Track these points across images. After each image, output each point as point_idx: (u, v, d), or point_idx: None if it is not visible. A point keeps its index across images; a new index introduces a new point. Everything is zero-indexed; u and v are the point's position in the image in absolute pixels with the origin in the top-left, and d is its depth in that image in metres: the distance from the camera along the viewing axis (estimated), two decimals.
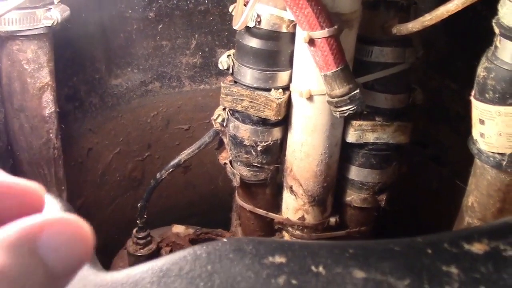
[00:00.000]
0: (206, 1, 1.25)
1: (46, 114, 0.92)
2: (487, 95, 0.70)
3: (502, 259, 0.42)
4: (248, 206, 1.10)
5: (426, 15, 0.78)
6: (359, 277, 0.40)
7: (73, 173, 1.18)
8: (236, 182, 1.05)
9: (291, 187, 1.04)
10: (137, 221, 1.17)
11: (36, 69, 0.88)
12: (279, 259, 0.41)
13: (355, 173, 1.03)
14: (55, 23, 0.86)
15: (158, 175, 1.10)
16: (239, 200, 1.12)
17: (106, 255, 1.29)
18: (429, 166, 1.27)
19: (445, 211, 1.02)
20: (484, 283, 0.39)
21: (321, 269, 0.40)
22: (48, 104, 0.91)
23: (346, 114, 0.85)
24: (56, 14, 0.86)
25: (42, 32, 0.87)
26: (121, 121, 1.29)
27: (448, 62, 1.16)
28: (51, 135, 0.93)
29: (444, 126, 1.22)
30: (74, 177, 1.18)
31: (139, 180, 1.40)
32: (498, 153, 0.72)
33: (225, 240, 0.43)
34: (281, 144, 1.02)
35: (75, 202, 1.20)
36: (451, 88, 1.16)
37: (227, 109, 1.00)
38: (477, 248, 0.43)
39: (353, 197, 1.05)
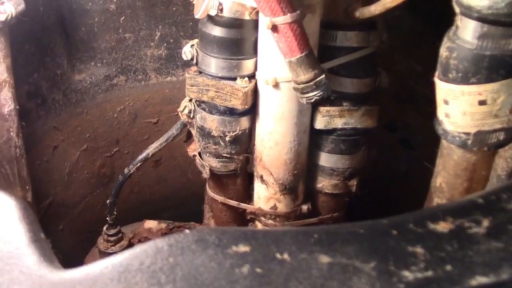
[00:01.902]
0: None
1: (5, 112, 0.89)
2: (450, 75, 0.70)
3: (467, 236, 0.42)
4: (219, 198, 1.09)
5: None
6: (324, 262, 0.39)
7: (39, 172, 1.15)
8: (205, 174, 1.04)
9: (261, 177, 1.03)
10: (107, 218, 1.14)
11: None
12: (242, 248, 0.40)
13: (325, 159, 1.02)
14: (9, 17, 0.83)
15: (126, 170, 1.08)
16: (210, 192, 1.11)
17: (78, 255, 1.27)
18: (398, 149, 1.28)
19: (416, 193, 1.02)
20: (450, 262, 0.39)
21: (285, 256, 0.40)
22: (6, 102, 0.88)
23: (312, 100, 0.84)
24: (9, 8, 0.83)
25: None
26: (86, 117, 1.27)
27: (413, 45, 1.16)
28: (11, 133, 0.90)
29: (412, 109, 1.23)
30: (40, 176, 1.15)
31: (109, 176, 1.38)
32: (464, 133, 0.72)
33: (187, 231, 0.42)
34: (250, 134, 1.01)
35: (42, 202, 1.17)
36: (417, 71, 1.17)
37: (193, 100, 0.98)
38: (442, 226, 0.42)
39: (324, 183, 1.05)
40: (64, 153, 1.23)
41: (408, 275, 0.38)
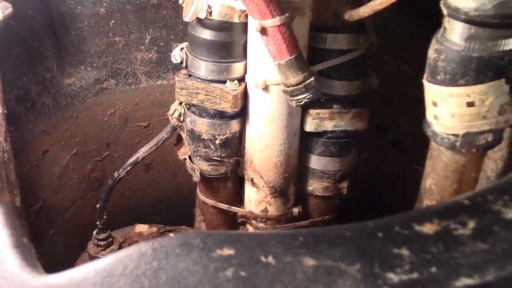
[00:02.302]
0: None
1: None
2: (438, 77, 0.70)
3: (453, 238, 0.42)
4: (210, 201, 1.09)
5: None
6: (309, 265, 0.39)
7: (29, 176, 1.14)
8: (196, 177, 1.04)
9: (252, 180, 1.03)
10: (97, 222, 1.14)
11: None
12: (227, 251, 0.40)
13: (315, 162, 1.02)
14: None
15: (116, 174, 1.07)
16: (201, 196, 1.11)
17: (68, 259, 1.26)
18: (390, 151, 1.28)
19: (407, 195, 1.03)
20: (435, 263, 0.39)
21: (270, 259, 0.39)
22: None
23: (302, 103, 0.84)
24: None
25: None
26: (76, 121, 1.26)
27: (403, 47, 1.17)
28: None
29: (403, 111, 1.23)
30: (29, 180, 1.15)
31: (100, 180, 1.37)
32: (452, 134, 0.72)
33: (171, 235, 0.41)
34: (240, 137, 1.00)
35: (32, 207, 1.16)
36: (407, 73, 1.17)
37: (183, 103, 0.98)
38: (428, 228, 0.42)
39: (315, 186, 1.05)
40: (54, 157, 1.23)
41: (393, 277, 0.38)
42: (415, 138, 1.20)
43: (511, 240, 0.41)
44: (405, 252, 0.40)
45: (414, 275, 0.38)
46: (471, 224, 0.43)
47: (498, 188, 0.47)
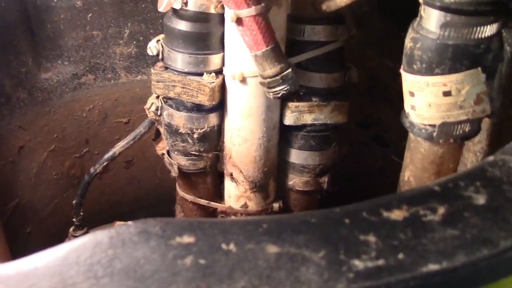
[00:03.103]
0: None
1: None
2: (415, 66, 0.69)
3: (422, 224, 0.40)
4: (189, 197, 1.07)
5: None
6: (272, 252, 0.37)
7: (4, 173, 1.12)
8: (174, 173, 1.02)
9: (231, 174, 1.01)
10: (73, 219, 1.12)
11: None
12: (187, 239, 0.38)
13: (295, 156, 1.01)
14: None
15: (92, 170, 1.05)
16: (180, 191, 1.09)
17: None
18: (372, 146, 1.27)
19: (389, 190, 1.02)
20: (402, 250, 0.38)
21: (231, 246, 0.38)
22: None
23: (279, 95, 0.83)
24: None
25: None
26: (54, 117, 1.24)
27: (384, 41, 1.16)
28: None
29: (385, 105, 1.22)
30: (5, 177, 1.12)
31: (79, 177, 1.35)
32: (429, 125, 0.71)
33: (130, 223, 0.40)
34: (219, 131, 0.99)
35: (8, 204, 1.14)
36: (389, 67, 1.16)
37: (160, 97, 0.96)
38: (396, 215, 0.41)
39: (295, 180, 1.03)
40: (30, 154, 1.20)
41: (358, 264, 0.36)
42: (397, 133, 1.19)
43: (481, 226, 0.40)
44: (372, 238, 0.39)
45: (380, 262, 0.37)
46: (441, 210, 0.41)
47: (470, 175, 0.46)
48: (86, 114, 1.29)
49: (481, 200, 0.42)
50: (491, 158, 0.48)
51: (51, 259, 0.36)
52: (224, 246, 0.38)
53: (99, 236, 0.38)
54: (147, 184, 1.46)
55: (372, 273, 0.36)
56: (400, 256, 0.37)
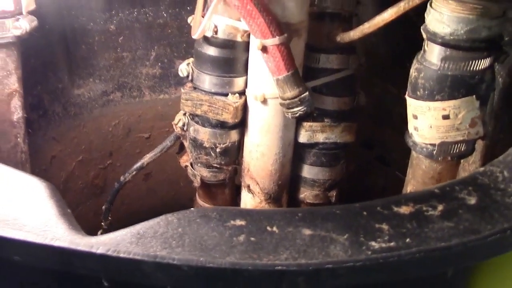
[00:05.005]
0: (165, 15, 1.32)
1: (15, 119, 0.96)
2: (418, 93, 0.80)
3: (424, 217, 0.50)
4: (208, 206, 1.16)
5: (365, 23, 0.87)
6: (306, 234, 0.47)
7: None
8: (196, 183, 1.11)
9: (248, 186, 1.11)
10: (102, 223, 1.21)
11: (4, 76, 0.93)
12: (239, 222, 0.48)
13: (307, 171, 1.11)
14: (23, 32, 0.91)
15: (122, 178, 1.15)
16: (199, 201, 1.18)
17: None
18: (376, 165, 1.37)
19: None
20: (409, 236, 0.48)
21: (275, 228, 0.48)
22: (16, 110, 0.96)
23: (297, 115, 0.93)
24: (24, 24, 0.91)
25: (11, 40, 0.92)
26: (83, 130, 1.34)
27: (389, 69, 1.27)
28: (18, 139, 0.97)
29: (388, 128, 1.32)
30: None
31: (101, 187, 1.44)
32: (430, 144, 0.81)
33: (192, 209, 0.49)
34: (239, 146, 1.09)
35: None
36: (393, 93, 1.27)
37: (187, 114, 1.06)
38: (404, 210, 0.51)
39: (306, 194, 1.13)
40: (61, 163, 1.30)
41: (375, 245, 0.46)
42: (398, 153, 1.30)
43: (471, 220, 0.50)
44: (385, 226, 0.49)
45: (392, 244, 0.47)
46: (440, 207, 0.51)
47: (464, 181, 0.56)
48: (111, 128, 1.40)
49: (472, 201, 0.52)
50: (481, 169, 0.58)
51: (134, 233, 0.46)
52: (269, 228, 0.47)
53: (169, 217, 0.48)
54: (163, 195, 1.55)
55: (386, 251, 0.45)
56: (408, 240, 0.47)
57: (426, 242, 0.46)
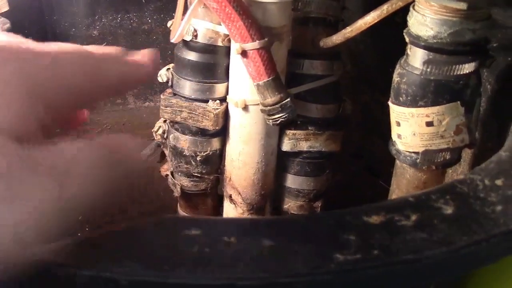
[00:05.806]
0: (150, 21, 1.29)
1: None
2: (401, 99, 0.76)
3: (396, 228, 0.47)
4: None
5: (347, 27, 0.84)
6: (266, 245, 0.44)
7: None
8: (177, 193, 1.08)
9: (230, 196, 1.07)
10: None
11: None
12: (194, 231, 0.45)
13: (291, 181, 1.07)
14: None
15: None
16: (181, 211, 1.15)
17: None
18: (365, 176, 1.33)
19: None
20: (378, 247, 0.44)
21: (232, 239, 0.44)
22: None
23: (278, 122, 0.90)
24: None
25: None
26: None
27: (376, 77, 1.24)
28: None
29: (377, 138, 1.29)
30: None
31: None
32: (413, 152, 0.78)
33: (146, 218, 0.46)
34: (221, 154, 1.06)
35: None
36: (380, 101, 1.24)
37: (167, 121, 1.03)
38: (375, 219, 0.47)
39: (290, 204, 1.10)
40: None
41: (339, 256, 0.43)
42: (387, 163, 1.26)
43: (447, 231, 0.46)
44: (352, 237, 0.45)
45: (358, 256, 0.43)
46: (414, 217, 0.48)
47: (441, 190, 0.52)
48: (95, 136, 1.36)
49: (449, 210, 0.49)
50: (461, 177, 0.54)
51: (77, 243, 0.43)
52: (226, 238, 0.44)
53: (117, 227, 0.45)
54: (148, 205, 1.52)
55: (350, 263, 0.42)
56: (376, 252, 0.43)
57: (395, 254, 0.43)
